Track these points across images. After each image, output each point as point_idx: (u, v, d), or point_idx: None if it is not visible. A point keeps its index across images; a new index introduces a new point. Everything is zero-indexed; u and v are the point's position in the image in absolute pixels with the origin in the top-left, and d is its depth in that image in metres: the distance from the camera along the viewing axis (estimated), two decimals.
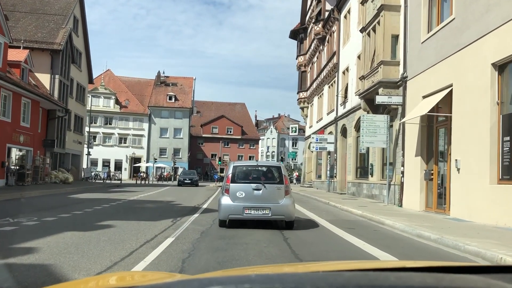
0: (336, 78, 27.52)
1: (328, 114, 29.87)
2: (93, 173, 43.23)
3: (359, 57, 21.31)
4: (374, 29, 17.68)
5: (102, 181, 39.89)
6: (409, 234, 8.82)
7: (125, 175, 56.36)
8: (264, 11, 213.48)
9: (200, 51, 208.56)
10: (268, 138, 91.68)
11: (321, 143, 26.53)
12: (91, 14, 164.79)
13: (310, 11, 36.41)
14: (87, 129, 40.83)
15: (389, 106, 16.42)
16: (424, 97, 13.82)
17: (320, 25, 31.66)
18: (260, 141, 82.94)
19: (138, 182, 45.07)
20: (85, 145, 39.50)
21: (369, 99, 18.18)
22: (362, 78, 18.86)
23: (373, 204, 16.01)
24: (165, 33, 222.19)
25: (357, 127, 20.85)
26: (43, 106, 28.00)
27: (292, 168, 73.17)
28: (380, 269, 1.27)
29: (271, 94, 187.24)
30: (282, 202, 9.01)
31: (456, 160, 11.51)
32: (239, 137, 75.59)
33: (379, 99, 16.04)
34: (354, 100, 22.14)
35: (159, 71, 68.47)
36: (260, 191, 9.03)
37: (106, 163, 58.53)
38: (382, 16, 16.77)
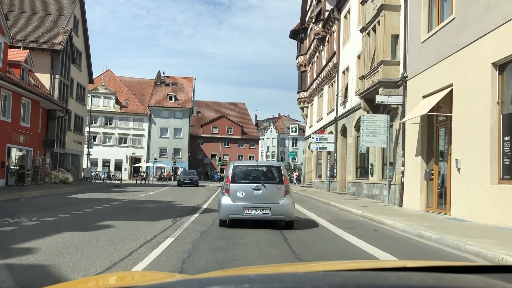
0: (336, 78, 27.52)
1: (328, 114, 29.87)
2: (93, 173, 43.24)
3: (359, 57, 21.31)
4: (374, 29, 17.67)
5: (102, 181, 39.89)
6: (409, 234, 8.81)
7: (125, 175, 56.38)
8: (264, 11, 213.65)
9: (200, 51, 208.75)
10: (268, 138, 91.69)
11: (321, 143, 26.52)
12: (91, 14, 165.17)
13: (310, 11, 36.42)
14: (87, 129, 40.83)
15: (389, 106, 16.41)
16: (424, 96, 13.81)
17: (320, 25, 31.66)
18: (260, 141, 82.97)
19: (138, 182, 45.08)
20: (85, 145, 39.50)
21: (369, 99, 18.18)
22: (362, 78, 18.86)
23: (373, 204, 16.01)
24: (165, 33, 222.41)
25: (357, 127, 20.85)
26: (43, 106, 28.00)
27: (292, 168, 73.16)
28: (380, 268, 1.27)
29: (271, 94, 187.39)
30: (282, 202, 9.03)
31: (456, 160, 11.50)
32: (239, 137, 75.61)
33: (379, 99, 16.03)
34: (354, 100, 22.14)
35: (159, 71, 68.58)
36: (260, 191, 9.05)
37: (106, 163, 58.54)
38: (382, 16, 16.77)
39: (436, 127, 13.70)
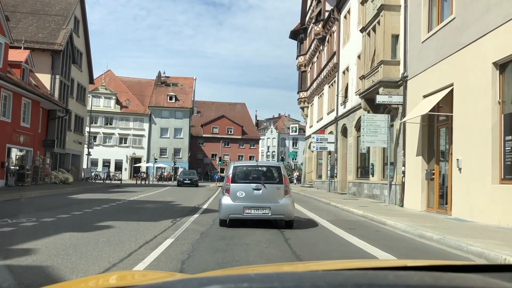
0: (336, 78, 27.51)
1: (328, 113, 29.86)
2: (93, 173, 43.25)
3: (359, 57, 21.30)
4: (374, 29, 17.67)
5: (102, 181, 39.89)
6: (411, 235, 8.79)
7: (125, 175, 56.39)
8: (264, 11, 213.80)
9: (200, 51, 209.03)
10: (268, 138, 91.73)
11: (322, 143, 26.51)
12: (92, 15, 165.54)
13: (310, 11, 36.42)
14: (87, 129, 40.83)
15: (390, 105, 16.40)
16: (424, 96, 13.80)
17: (320, 25, 31.66)
18: (260, 141, 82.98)
19: (138, 182, 45.06)
20: (85, 145, 39.50)
21: (369, 99, 18.17)
22: (362, 77, 18.86)
23: (374, 204, 15.99)
24: (165, 33, 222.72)
25: (358, 127, 20.84)
26: (44, 106, 28.01)
27: (293, 168, 73.15)
28: (379, 268, 1.26)
29: (271, 94, 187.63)
30: (281, 201, 9.06)
31: (457, 159, 11.48)
32: (239, 137, 75.63)
33: (380, 99, 16.02)
34: (354, 99, 22.13)
35: (159, 71, 68.71)
36: (260, 191, 9.08)
37: (106, 163, 58.55)
38: (382, 16, 16.77)
39: (437, 127, 13.69)
